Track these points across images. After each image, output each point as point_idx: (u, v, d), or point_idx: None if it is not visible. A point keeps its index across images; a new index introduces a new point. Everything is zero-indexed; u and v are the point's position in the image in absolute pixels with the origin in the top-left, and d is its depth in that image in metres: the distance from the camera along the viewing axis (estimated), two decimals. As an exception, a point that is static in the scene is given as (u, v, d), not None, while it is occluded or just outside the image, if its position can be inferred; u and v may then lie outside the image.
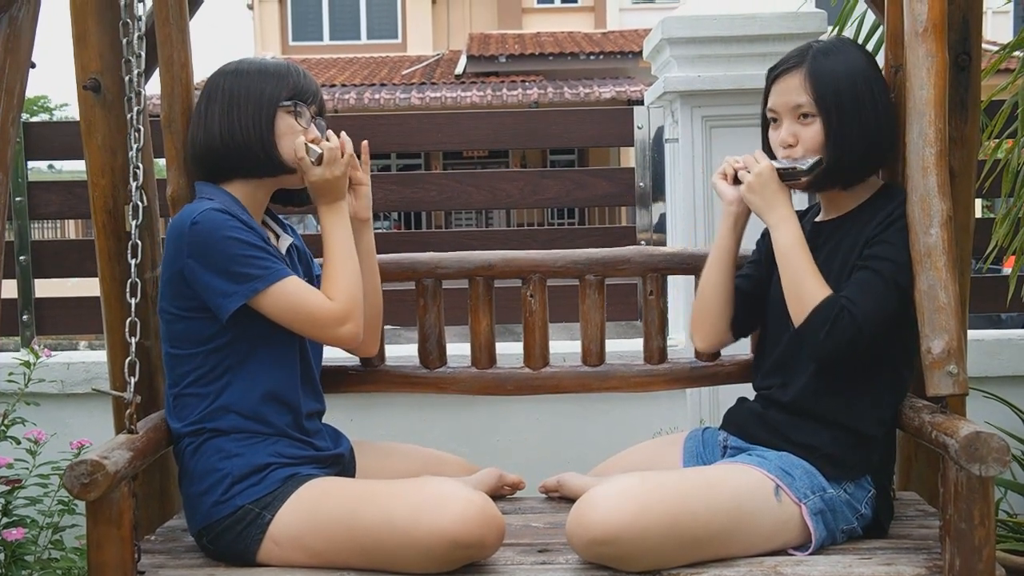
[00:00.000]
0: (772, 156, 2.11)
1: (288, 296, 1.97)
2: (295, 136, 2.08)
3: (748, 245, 2.28)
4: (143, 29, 2.12)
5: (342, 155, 2.09)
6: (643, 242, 3.52)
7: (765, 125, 2.14)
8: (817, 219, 2.16)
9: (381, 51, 19.54)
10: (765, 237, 2.20)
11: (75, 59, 2.23)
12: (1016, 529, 2.97)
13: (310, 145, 2.07)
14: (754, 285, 2.22)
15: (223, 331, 1.99)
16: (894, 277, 1.92)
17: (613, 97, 14.84)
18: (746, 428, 2.13)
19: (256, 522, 1.91)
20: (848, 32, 3.12)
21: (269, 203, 2.20)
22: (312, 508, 1.90)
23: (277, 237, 2.20)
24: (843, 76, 2.01)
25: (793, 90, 2.04)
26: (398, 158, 17.54)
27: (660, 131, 3.52)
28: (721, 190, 2.17)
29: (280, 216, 2.28)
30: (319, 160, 2.06)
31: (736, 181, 2.13)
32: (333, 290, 2.03)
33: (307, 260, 2.26)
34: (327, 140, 2.10)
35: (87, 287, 2.89)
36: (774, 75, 2.10)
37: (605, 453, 2.42)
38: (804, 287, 1.97)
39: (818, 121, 2.02)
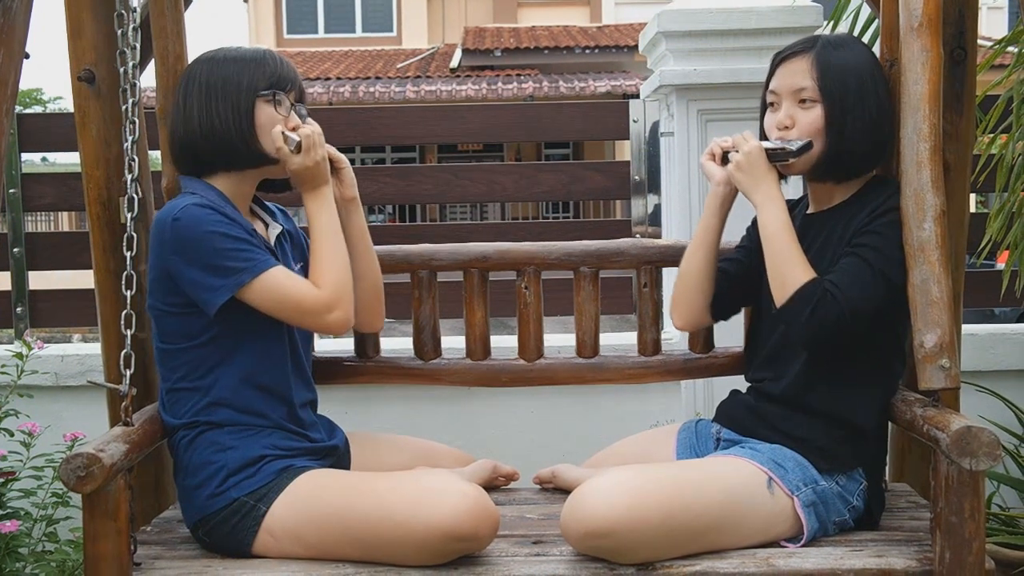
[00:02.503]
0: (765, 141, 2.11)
1: (274, 286, 1.95)
2: (274, 125, 2.05)
3: (738, 235, 2.28)
4: (138, 20, 2.12)
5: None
6: (638, 235, 3.52)
7: (763, 111, 2.14)
8: (808, 211, 2.16)
9: (376, 44, 19.49)
10: (756, 224, 2.20)
11: (69, 50, 2.23)
12: (1009, 522, 2.98)
13: (288, 134, 2.04)
14: (740, 269, 2.22)
15: (211, 326, 1.98)
16: (880, 266, 1.92)
17: (608, 91, 14.82)
18: (739, 420, 2.13)
19: (251, 514, 1.92)
20: (843, 26, 3.13)
21: (256, 192, 2.19)
22: (307, 500, 1.91)
23: (266, 226, 2.19)
24: (850, 68, 2.01)
25: (798, 73, 2.04)
26: (393, 151, 17.54)
27: (656, 125, 3.52)
28: (709, 171, 2.17)
29: (270, 203, 2.26)
30: (298, 148, 2.03)
31: (725, 162, 2.13)
32: (320, 278, 2.01)
33: (301, 244, 2.25)
34: (305, 127, 2.06)
35: (82, 279, 2.89)
36: (780, 58, 2.10)
37: (599, 445, 2.43)
38: (788, 269, 1.97)
39: (818, 107, 2.02)
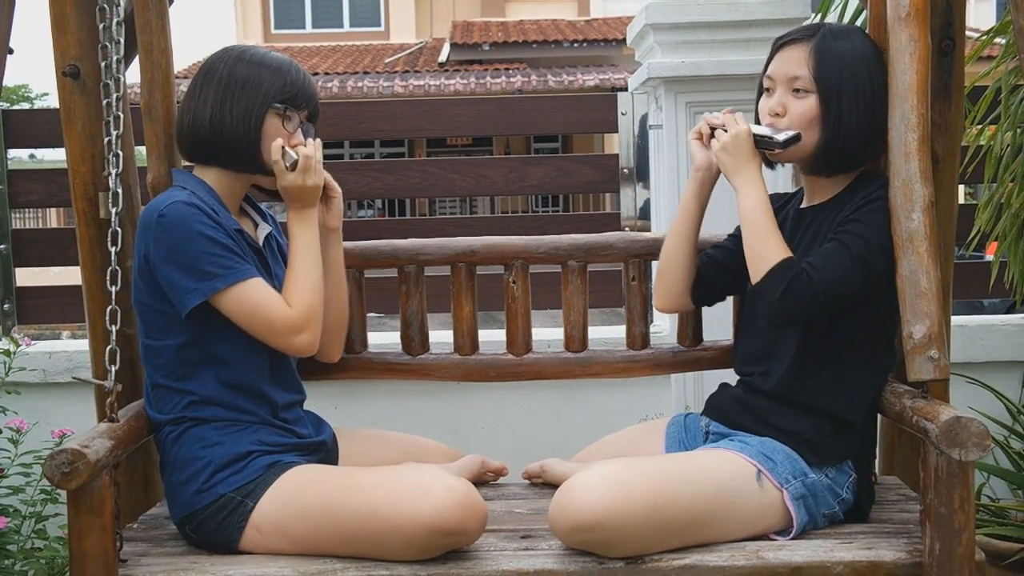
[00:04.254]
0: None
1: (247, 298, 1.95)
2: (277, 139, 2.06)
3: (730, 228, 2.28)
4: (122, 15, 2.10)
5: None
6: (627, 228, 3.51)
7: (760, 94, 2.14)
8: (802, 205, 2.16)
9: (364, 39, 19.45)
10: None
11: (53, 45, 2.21)
12: (998, 514, 2.98)
13: (287, 150, 2.04)
14: (728, 257, 2.22)
15: (191, 325, 1.97)
16: (861, 254, 1.91)
17: (597, 85, 14.81)
18: (728, 414, 2.13)
19: (238, 510, 1.91)
20: (831, 17, 3.12)
21: (251, 191, 2.19)
22: (294, 496, 1.90)
23: (256, 226, 2.18)
24: (848, 60, 2.00)
25: (795, 61, 2.03)
26: (381, 146, 17.51)
27: (644, 117, 3.51)
28: (693, 151, 2.17)
29: (262, 204, 2.26)
30: (294, 166, 2.03)
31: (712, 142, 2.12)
32: (293, 298, 2.00)
33: (285, 253, 2.24)
34: (305, 147, 2.06)
35: (72, 276, 2.87)
36: (780, 43, 2.09)
37: (588, 439, 2.42)
38: (764, 247, 1.97)
39: (811, 98, 2.01)
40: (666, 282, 2.25)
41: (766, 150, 2.04)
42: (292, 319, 1.98)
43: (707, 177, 2.16)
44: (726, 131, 2.06)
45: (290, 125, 2.09)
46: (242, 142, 2.05)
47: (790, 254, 1.96)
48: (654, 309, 2.78)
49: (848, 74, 1.99)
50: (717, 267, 2.23)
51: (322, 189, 2.11)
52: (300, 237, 2.06)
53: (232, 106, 2.05)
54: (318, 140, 2.11)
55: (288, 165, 2.03)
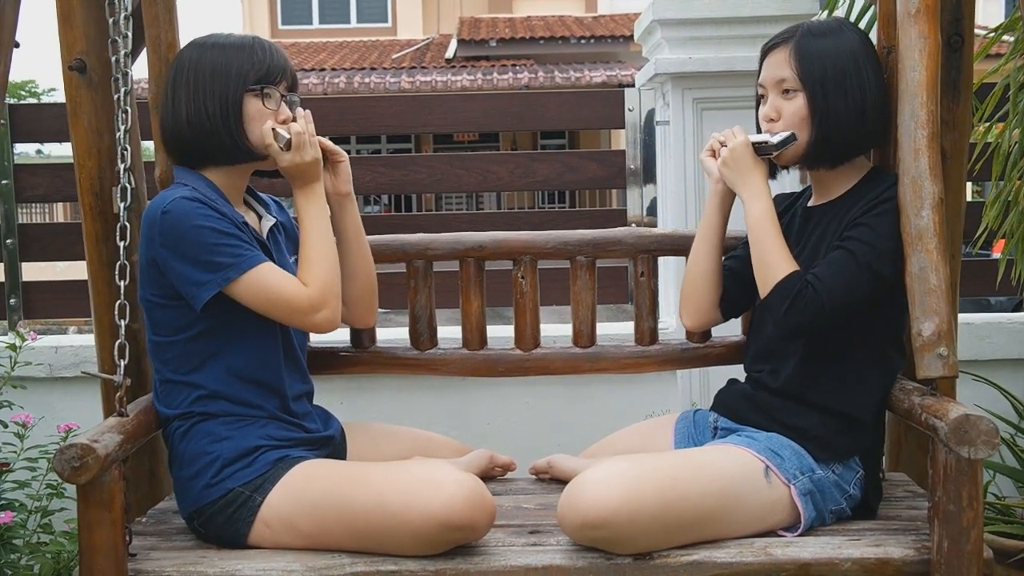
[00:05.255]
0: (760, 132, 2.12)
1: (261, 283, 1.94)
2: (263, 120, 2.02)
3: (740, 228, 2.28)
4: (129, 9, 2.10)
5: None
6: (634, 225, 3.51)
7: (758, 103, 2.15)
8: (809, 204, 2.16)
9: (371, 35, 19.44)
10: None
11: (60, 39, 2.21)
12: (1004, 511, 2.98)
13: (278, 130, 2.01)
14: (745, 266, 2.22)
15: (201, 319, 1.97)
16: (868, 260, 1.92)
17: (604, 81, 14.79)
18: (736, 409, 2.13)
19: (247, 505, 1.91)
20: (839, 13, 3.11)
21: (252, 180, 2.18)
22: (303, 490, 1.90)
23: (260, 218, 2.18)
24: (830, 54, 2.01)
25: (778, 65, 2.05)
26: (388, 141, 17.52)
27: (651, 113, 3.51)
28: (708, 167, 2.18)
29: (265, 195, 2.25)
30: (287, 145, 2.00)
31: None
32: (308, 276, 1.99)
33: (296, 236, 2.23)
34: (295, 121, 2.03)
35: (78, 270, 2.88)
36: (764, 50, 2.11)
37: (596, 435, 2.42)
38: (771, 260, 1.99)
39: (800, 97, 2.02)
40: (695, 302, 2.24)
41: (765, 155, 2.07)
42: (310, 297, 1.97)
43: (725, 189, 2.17)
44: (726, 146, 2.08)
45: (271, 103, 2.05)
46: (224, 134, 2.01)
47: (795, 267, 1.97)
48: (660, 307, 2.78)
49: (832, 68, 2.01)
50: (735, 278, 2.23)
51: (324, 157, 2.08)
52: (309, 213, 2.04)
53: (206, 99, 2.01)
54: (307, 112, 2.07)
55: (282, 146, 2.00)
